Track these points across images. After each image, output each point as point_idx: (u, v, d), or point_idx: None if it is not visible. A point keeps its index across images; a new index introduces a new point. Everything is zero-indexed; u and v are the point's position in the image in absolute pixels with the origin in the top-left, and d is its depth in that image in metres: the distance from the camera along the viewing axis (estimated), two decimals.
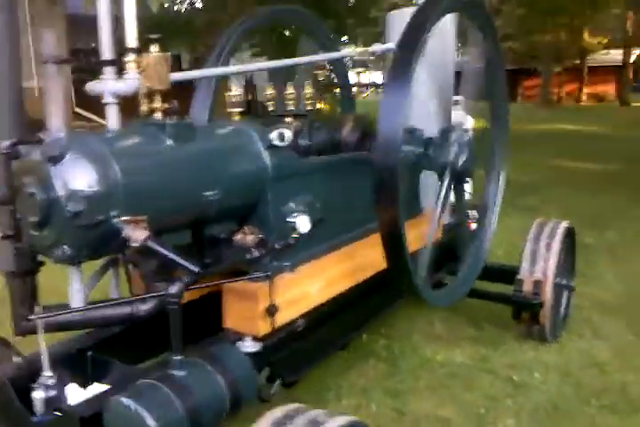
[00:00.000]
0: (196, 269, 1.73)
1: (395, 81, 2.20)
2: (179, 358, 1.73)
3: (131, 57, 1.91)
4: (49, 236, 1.73)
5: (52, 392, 1.74)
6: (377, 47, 3.25)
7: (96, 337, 2.13)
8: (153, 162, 1.93)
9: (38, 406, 1.72)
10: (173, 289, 1.71)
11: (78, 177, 1.69)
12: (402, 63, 2.20)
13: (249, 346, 2.04)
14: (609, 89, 35.00)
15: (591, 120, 20.63)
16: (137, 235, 1.67)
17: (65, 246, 1.72)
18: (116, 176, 1.75)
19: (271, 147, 2.17)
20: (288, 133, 2.13)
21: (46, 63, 1.75)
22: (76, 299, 1.88)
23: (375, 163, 2.16)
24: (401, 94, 2.16)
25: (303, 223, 2.13)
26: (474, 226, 3.63)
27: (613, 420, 2.84)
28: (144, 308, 1.90)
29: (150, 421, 1.56)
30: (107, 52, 1.91)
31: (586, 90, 34.64)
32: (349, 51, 3.17)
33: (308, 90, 2.63)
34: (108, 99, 1.94)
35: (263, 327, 2.14)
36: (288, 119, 2.51)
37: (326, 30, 3.67)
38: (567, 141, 14.71)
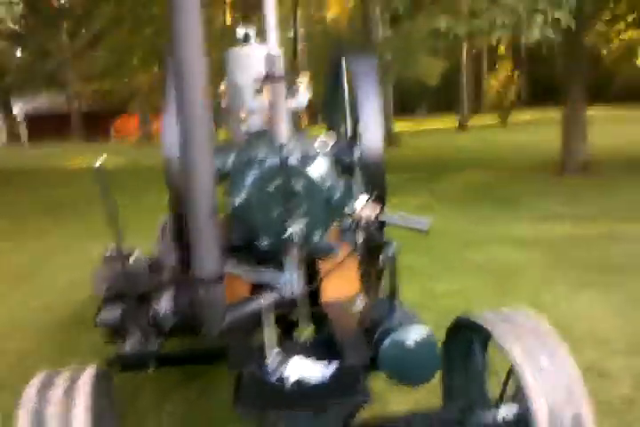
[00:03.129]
0: (426, 228, 1.95)
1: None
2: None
3: (303, 75, 2.17)
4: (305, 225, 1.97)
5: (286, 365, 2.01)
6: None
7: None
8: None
9: (291, 378, 1.95)
10: (391, 251, 2.04)
11: (328, 172, 2.02)
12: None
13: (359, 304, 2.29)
14: None
15: None
16: (370, 212, 1.94)
17: (319, 231, 2.01)
18: (339, 168, 2.20)
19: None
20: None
21: (273, 83, 1.90)
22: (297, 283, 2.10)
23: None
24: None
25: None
26: None
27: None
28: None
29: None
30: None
31: None
32: None
33: None
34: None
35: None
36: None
37: None
38: None
